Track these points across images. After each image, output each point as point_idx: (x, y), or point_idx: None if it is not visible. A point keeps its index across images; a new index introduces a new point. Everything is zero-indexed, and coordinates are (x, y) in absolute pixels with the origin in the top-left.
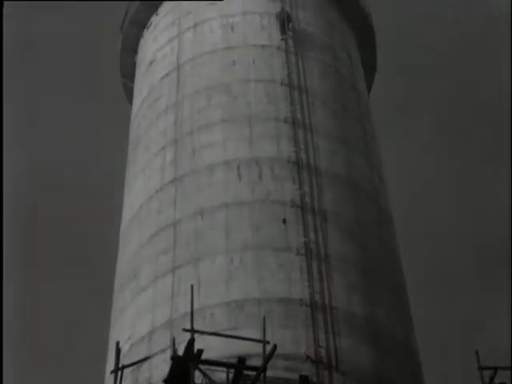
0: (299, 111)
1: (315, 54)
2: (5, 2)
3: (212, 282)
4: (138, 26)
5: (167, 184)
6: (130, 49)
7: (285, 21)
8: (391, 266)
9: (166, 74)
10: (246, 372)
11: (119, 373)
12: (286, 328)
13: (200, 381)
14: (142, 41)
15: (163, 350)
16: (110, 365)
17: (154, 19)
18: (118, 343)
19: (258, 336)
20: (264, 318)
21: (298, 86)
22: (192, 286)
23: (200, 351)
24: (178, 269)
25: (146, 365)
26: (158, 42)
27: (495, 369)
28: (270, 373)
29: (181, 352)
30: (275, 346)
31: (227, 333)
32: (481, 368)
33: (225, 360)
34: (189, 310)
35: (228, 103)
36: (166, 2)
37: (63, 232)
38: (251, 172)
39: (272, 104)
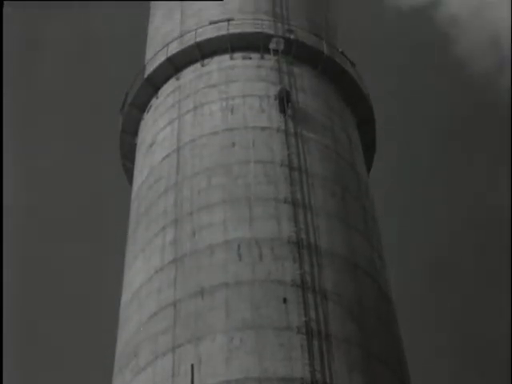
0: (299, 192)
1: (315, 136)
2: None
3: (212, 361)
4: (138, 109)
5: (167, 264)
6: (131, 131)
7: (284, 99)
8: (391, 345)
9: (166, 156)
10: None
11: None
12: None
13: None
14: (143, 123)
15: None
16: None
17: (154, 102)
18: None
19: None
20: None
21: (297, 167)
22: (192, 366)
23: None
24: (178, 348)
25: None
26: (158, 125)
27: None
28: None
29: None
30: None
31: None
32: None
33: None
34: None
35: (228, 184)
36: (166, 85)
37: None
38: (251, 252)
39: (272, 185)
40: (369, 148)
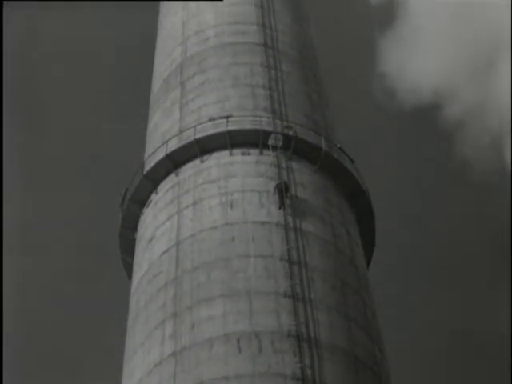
0: (299, 285)
1: (314, 230)
2: None
3: None
4: (137, 204)
5: (166, 358)
6: (130, 226)
7: (283, 191)
8: None
9: (166, 250)
10: None
11: None
12: None
13: None
14: (142, 218)
15: None
16: None
17: (154, 197)
18: None
19: None
20: None
21: (297, 261)
22: None
23: None
24: None
25: None
26: (157, 220)
27: None
28: None
29: None
30: None
31: None
32: None
33: None
34: None
35: (227, 278)
36: (165, 181)
37: None
38: (251, 345)
39: (272, 279)
40: (368, 242)
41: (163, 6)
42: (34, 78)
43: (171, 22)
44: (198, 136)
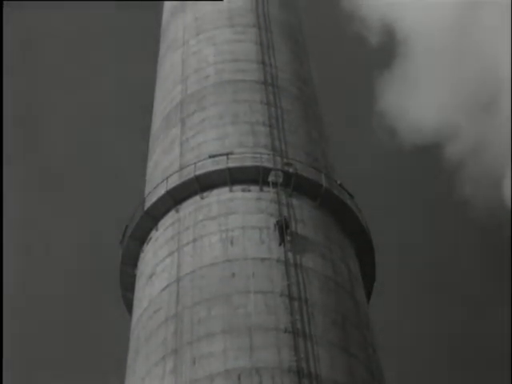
0: (299, 321)
1: (314, 266)
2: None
3: None
4: (137, 241)
5: None
6: (130, 262)
7: (283, 227)
8: None
9: (166, 286)
10: None
11: None
12: None
13: None
14: (142, 255)
15: None
16: None
17: (154, 234)
18: None
19: None
20: None
21: (297, 297)
22: None
23: None
24: None
25: None
26: (157, 256)
27: None
28: None
29: None
30: None
31: None
32: None
33: None
34: None
35: (228, 314)
36: (165, 217)
37: None
38: (252, 381)
39: (272, 314)
40: (368, 276)
41: (163, 42)
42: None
43: (171, 59)
44: (198, 173)
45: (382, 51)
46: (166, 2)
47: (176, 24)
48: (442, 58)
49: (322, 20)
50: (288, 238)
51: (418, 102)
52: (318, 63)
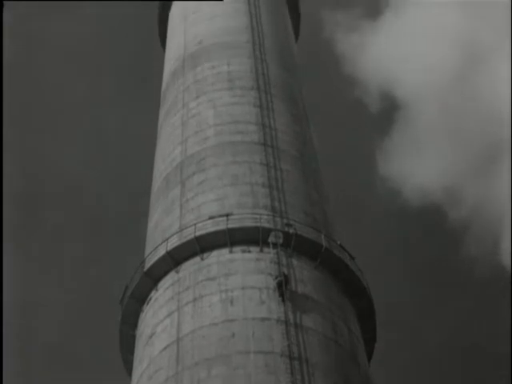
0: (300, 381)
1: (315, 326)
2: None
3: None
4: (137, 301)
5: None
6: (130, 322)
7: (283, 284)
8: None
9: (166, 346)
10: None
11: None
12: None
13: None
14: (142, 315)
15: None
16: None
17: (154, 294)
18: None
19: None
20: None
21: (297, 357)
22: None
23: None
24: None
25: None
26: (157, 316)
27: None
28: None
29: None
30: None
31: None
32: None
33: None
34: None
35: (228, 374)
36: (165, 278)
37: None
38: None
39: (272, 375)
40: (370, 338)
41: (163, 104)
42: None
43: (171, 121)
44: (198, 234)
45: (383, 114)
46: (166, 64)
47: (176, 86)
48: (443, 119)
49: (322, 83)
50: (288, 294)
51: (419, 164)
52: (318, 126)
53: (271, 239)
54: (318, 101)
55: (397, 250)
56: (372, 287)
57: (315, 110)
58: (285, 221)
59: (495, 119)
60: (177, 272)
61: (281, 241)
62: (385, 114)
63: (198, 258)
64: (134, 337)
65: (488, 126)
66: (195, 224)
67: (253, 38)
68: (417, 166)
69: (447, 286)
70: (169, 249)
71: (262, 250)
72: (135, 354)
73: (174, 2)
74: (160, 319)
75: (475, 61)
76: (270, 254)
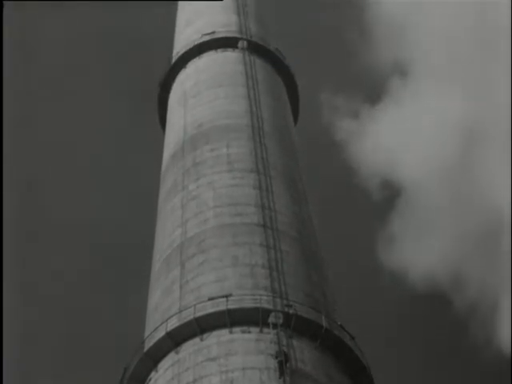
0: None
1: None
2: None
3: None
4: (137, 382)
5: None
6: None
7: (283, 363)
8: None
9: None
10: None
11: None
12: None
13: None
14: None
15: None
16: None
17: (154, 375)
18: None
19: None
20: None
21: None
22: None
23: None
24: None
25: None
26: None
27: None
28: None
29: None
30: None
31: None
32: None
33: None
34: None
35: None
36: (165, 359)
37: None
38: None
39: None
40: None
41: (163, 186)
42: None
43: (171, 204)
44: (197, 314)
45: (384, 200)
46: (165, 146)
47: (176, 169)
48: (443, 204)
49: (322, 168)
50: (288, 371)
51: (421, 249)
52: (317, 208)
53: (271, 320)
54: (317, 185)
55: (400, 333)
56: (374, 369)
57: (315, 194)
58: (285, 301)
59: (495, 204)
60: (176, 353)
61: (281, 321)
62: (385, 200)
63: (197, 339)
64: None
65: (488, 209)
66: (195, 305)
67: (252, 121)
68: (419, 251)
69: (452, 370)
70: (168, 329)
71: (261, 331)
72: None
73: (174, 86)
74: None
75: (475, 146)
76: (269, 334)
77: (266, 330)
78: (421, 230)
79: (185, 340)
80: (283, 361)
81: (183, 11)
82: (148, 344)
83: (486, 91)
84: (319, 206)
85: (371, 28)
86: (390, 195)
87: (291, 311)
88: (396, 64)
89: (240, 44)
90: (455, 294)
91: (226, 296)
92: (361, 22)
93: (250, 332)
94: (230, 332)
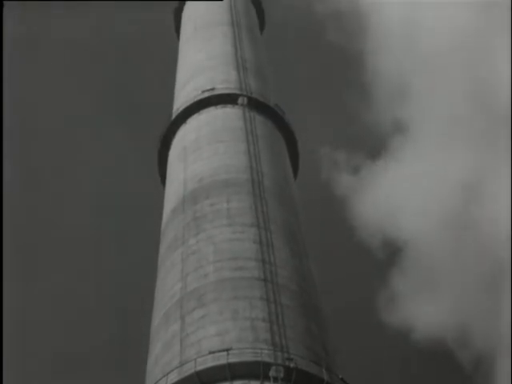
0: None
1: None
2: None
3: None
4: None
5: None
6: None
7: None
8: None
9: None
10: None
11: None
12: None
13: None
14: None
15: None
16: None
17: None
18: None
19: None
20: None
21: None
22: None
23: None
24: None
25: None
26: None
27: None
28: None
29: None
30: None
31: None
32: None
33: None
34: None
35: None
36: None
37: None
38: None
39: None
40: None
41: (163, 241)
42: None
43: (171, 259)
44: (198, 368)
45: (384, 256)
46: (165, 202)
47: (176, 223)
48: (444, 259)
49: (322, 223)
50: None
51: (424, 304)
52: (317, 262)
53: (272, 373)
54: (317, 240)
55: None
56: None
57: (315, 249)
58: (285, 355)
59: (496, 256)
60: None
61: (282, 375)
62: (386, 256)
63: None
64: None
65: (489, 261)
66: (195, 359)
67: (252, 176)
68: (421, 307)
69: None
70: (169, 383)
71: None
72: None
73: (174, 142)
74: None
75: (475, 201)
76: None
77: (266, 382)
78: (422, 286)
79: None
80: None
81: (183, 68)
82: None
83: (486, 147)
84: (319, 261)
85: (371, 87)
86: (390, 252)
87: (292, 365)
88: (396, 122)
89: (240, 100)
90: (459, 349)
91: (227, 350)
92: (361, 82)
93: None
94: None
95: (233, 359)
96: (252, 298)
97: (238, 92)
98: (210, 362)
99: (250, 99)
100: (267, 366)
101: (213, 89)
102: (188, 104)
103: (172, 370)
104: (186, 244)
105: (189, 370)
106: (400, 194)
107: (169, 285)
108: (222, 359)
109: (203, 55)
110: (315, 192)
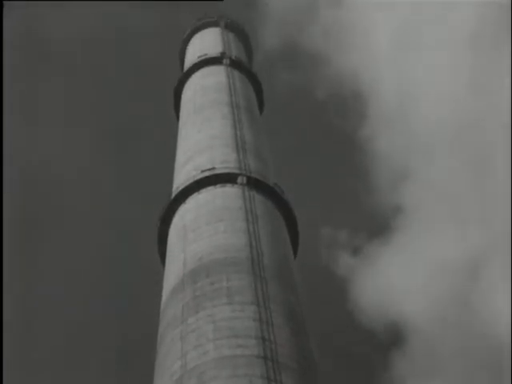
0: None
1: None
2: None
3: None
4: None
5: None
6: None
7: None
8: None
9: None
10: None
11: None
12: None
13: None
14: None
15: None
16: None
17: None
18: None
19: None
20: None
21: None
22: None
23: None
24: None
25: None
26: None
27: None
28: None
29: None
30: None
31: None
32: None
33: None
34: None
35: None
36: None
37: None
38: None
39: None
40: None
41: (162, 319)
42: None
43: (170, 337)
44: None
45: (387, 340)
46: (165, 281)
47: (175, 302)
48: (446, 340)
49: (323, 305)
50: None
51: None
52: (317, 339)
53: None
54: (317, 319)
55: None
56: None
57: (315, 328)
58: None
59: (496, 332)
60: None
61: None
62: (386, 338)
63: None
64: None
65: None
66: None
67: (252, 254)
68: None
69: None
70: None
71: None
72: None
73: (174, 220)
74: None
75: (475, 280)
76: None
77: None
78: (422, 370)
79: None
80: None
81: (183, 148)
82: None
83: (485, 229)
84: (320, 340)
85: (370, 173)
86: (391, 334)
87: None
88: (396, 204)
89: (239, 180)
90: None
91: None
92: (360, 168)
93: None
94: None
95: None
96: (252, 375)
97: (237, 171)
98: None
99: (249, 178)
100: None
101: (212, 168)
102: (188, 183)
103: None
104: (185, 322)
105: None
106: (400, 275)
107: (168, 363)
108: None
109: (202, 135)
110: (315, 271)
